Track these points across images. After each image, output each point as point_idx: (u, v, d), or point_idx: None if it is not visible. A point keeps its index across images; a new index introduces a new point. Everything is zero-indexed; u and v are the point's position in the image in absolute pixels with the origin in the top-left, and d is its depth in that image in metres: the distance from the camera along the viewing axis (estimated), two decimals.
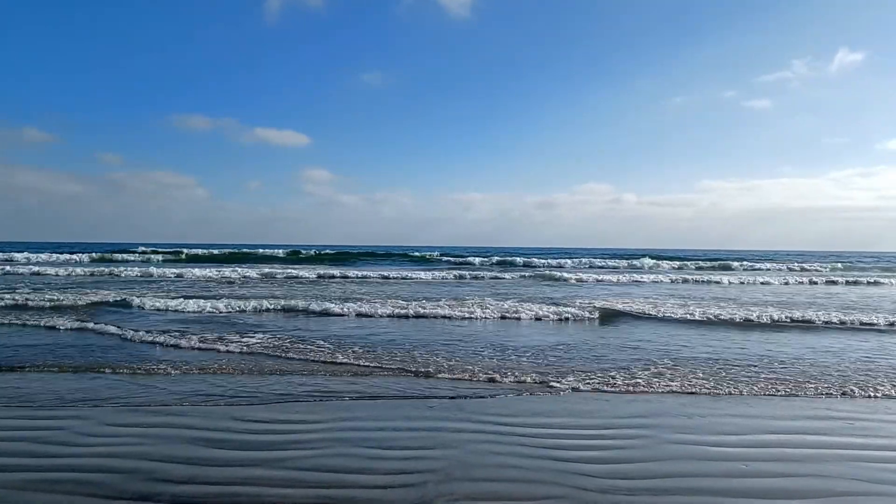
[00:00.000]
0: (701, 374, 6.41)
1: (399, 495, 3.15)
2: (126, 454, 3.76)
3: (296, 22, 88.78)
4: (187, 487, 3.23)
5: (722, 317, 11.26)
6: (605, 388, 5.83)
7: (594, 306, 12.45)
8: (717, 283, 22.74)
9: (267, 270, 23.61)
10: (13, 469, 3.49)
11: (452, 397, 5.36)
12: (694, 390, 5.77)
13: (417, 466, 3.58)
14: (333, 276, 22.53)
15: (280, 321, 10.57)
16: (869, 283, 23.50)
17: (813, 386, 5.98)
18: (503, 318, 11.24)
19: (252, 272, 22.87)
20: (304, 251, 40.10)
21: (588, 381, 6.08)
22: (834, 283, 23.80)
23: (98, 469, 3.49)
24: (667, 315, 11.54)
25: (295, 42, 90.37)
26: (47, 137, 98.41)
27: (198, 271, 22.97)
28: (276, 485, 3.27)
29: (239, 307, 11.87)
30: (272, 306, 12.06)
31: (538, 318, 11.20)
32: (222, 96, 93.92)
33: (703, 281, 23.26)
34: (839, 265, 35.60)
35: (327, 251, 41.02)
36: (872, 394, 5.69)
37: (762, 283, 22.62)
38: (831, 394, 5.71)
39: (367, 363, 6.89)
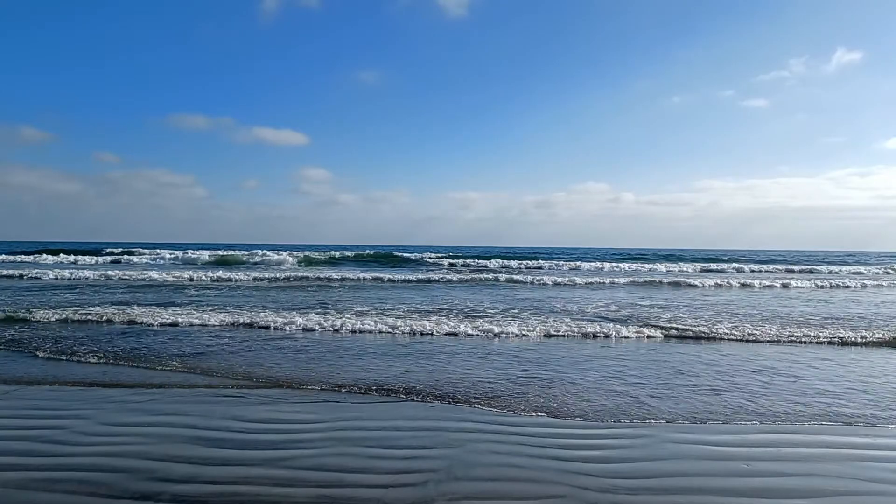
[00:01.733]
0: None
1: (400, 495, 3.15)
2: (127, 453, 3.75)
3: (292, 20, 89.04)
4: (188, 487, 3.23)
5: None
6: None
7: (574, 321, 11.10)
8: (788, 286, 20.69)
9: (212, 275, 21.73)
10: (14, 468, 3.48)
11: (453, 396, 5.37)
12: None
13: (418, 466, 3.58)
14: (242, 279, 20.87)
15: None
16: None
17: None
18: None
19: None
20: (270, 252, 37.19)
21: None
22: None
23: (99, 468, 3.48)
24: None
25: (292, 40, 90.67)
26: (44, 136, 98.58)
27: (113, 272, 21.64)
28: (276, 484, 3.26)
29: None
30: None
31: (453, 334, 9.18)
32: (219, 95, 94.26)
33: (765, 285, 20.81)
34: None
35: (293, 252, 37.39)
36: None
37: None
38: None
39: None
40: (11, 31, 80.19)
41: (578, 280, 22.20)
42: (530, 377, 6.17)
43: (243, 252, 37.17)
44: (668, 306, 13.26)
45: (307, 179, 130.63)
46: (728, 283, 22.10)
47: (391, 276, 22.16)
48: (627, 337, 9.10)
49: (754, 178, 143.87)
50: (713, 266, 33.04)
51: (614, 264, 34.06)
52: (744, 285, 21.39)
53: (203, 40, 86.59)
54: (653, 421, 4.65)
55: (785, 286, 20.97)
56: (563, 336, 9.11)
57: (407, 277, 22.07)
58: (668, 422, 4.63)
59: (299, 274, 23.98)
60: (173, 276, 21.25)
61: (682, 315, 11.53)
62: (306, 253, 37.85)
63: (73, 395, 5.32)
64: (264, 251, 37.77)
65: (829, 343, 8.74)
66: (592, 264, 34.15)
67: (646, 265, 33.35)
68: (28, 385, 5.68)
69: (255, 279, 21.18)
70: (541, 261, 35.79)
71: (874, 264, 38.18)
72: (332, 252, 40.88)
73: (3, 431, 4.22)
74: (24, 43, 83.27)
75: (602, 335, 9.21)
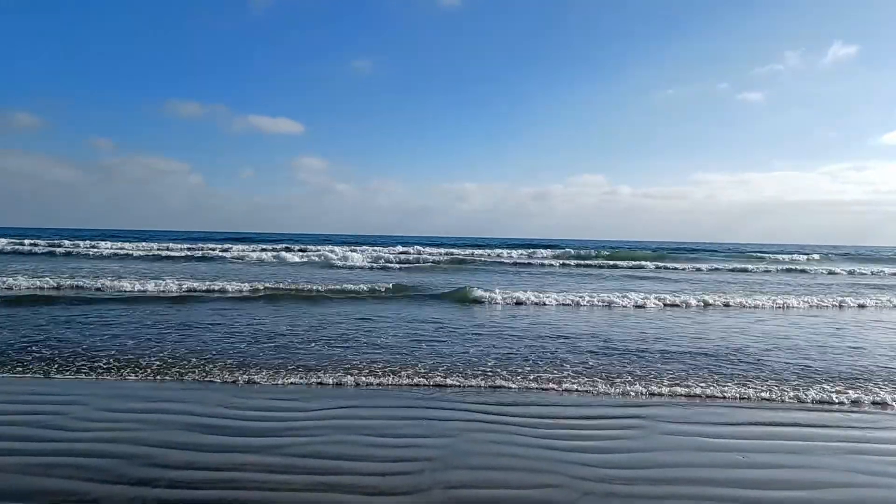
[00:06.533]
0: None
1: (396, 482, 3.16)
2: (124, 439, 3.76)
3: (286, 9, 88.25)
4: (185, 473, 3.23)
5: None
6: None
7: None
8: None
9: None
10: (12, 453, 3.49)
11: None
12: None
13: (415, 454, 3.59)
14: None
15: None
16: None
17: None
18: None
19: None
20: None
21: None
22: None
23: (96, 454, 3.49)
24: None
25: (286, 29, 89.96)
26: (38, 122, 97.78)
27: None
28: (273, 471, 3.27)
29: None
30: None
31: None
32: (214, 83, 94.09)
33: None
34: None
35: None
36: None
37: None
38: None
39: None
40: (5, 16, 79.20)
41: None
42: None
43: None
44: None
45: (303, 168, 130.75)
46: None
47: None
48: None
49: (750, 172, 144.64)
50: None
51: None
52: None
53: (197, 27, 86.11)
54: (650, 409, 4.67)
55: None
56: None
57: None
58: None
59: None
60: None
61: None
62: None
63: (71, 381, 5.31)
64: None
65: None
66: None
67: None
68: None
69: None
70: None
71: None
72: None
73: (2, 417, 4.21)
74: (18, 27, 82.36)
75: None
